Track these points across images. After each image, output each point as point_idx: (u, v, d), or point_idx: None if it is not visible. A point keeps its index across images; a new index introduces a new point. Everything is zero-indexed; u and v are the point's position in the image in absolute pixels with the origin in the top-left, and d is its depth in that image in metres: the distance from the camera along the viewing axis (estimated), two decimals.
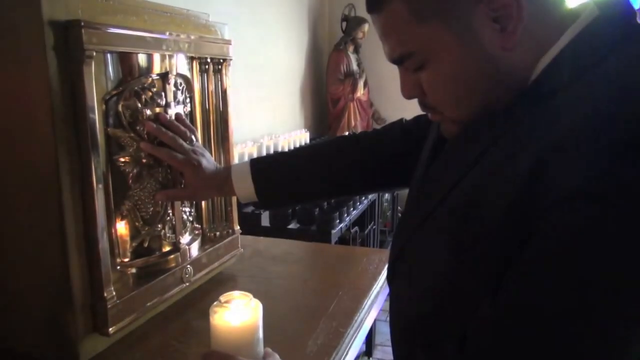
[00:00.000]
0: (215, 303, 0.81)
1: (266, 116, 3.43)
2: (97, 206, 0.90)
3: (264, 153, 2.95)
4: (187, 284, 1.16)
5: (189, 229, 1.19)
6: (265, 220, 2.43)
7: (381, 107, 4.61)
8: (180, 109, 1.11)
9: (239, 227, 1.36)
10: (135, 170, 1.01)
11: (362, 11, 4.09)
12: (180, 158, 1.03)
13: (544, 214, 0.53)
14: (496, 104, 0.65)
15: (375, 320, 2.17)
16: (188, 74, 1.15)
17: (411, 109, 0.85)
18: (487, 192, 0.60)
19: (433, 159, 0.78)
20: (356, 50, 4.31)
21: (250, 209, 2.33)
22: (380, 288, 1.29)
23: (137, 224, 1.03)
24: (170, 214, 1.11)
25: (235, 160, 1.35)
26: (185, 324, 1.10)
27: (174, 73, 1.07)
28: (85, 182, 0.89)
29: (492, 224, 0.58)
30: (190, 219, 1.20)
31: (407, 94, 0.71)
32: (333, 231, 2.36)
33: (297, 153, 1.15)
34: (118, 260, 1.01)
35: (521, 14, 0.59)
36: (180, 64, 1.10)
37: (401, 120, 1.08)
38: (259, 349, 0.82)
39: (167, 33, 1.04)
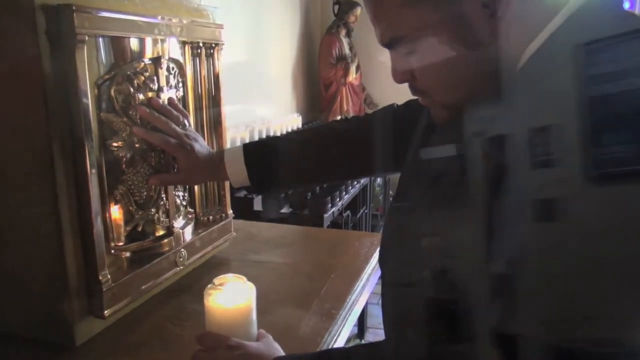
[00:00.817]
0: (209, 286, 0.82)
1: (259, 100, 3.41)
2: (91, 191, 0.90)
3: (257, 137, 2.95)
4: (181, 267, 1.17)
5: (182, 213, 1.19)
6: (257, 204, 2.43)
7: (373, 92, 4.60)
8: (172, 94, 1.11)
9: (231, 211, 1.37)
10: (128, 155, 1.01)
11: None
12: (173, 142, 1.03)
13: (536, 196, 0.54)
14: (486, 89, 0.66)
15: (367, 303, 2.19)
16: (180, 59, 1.14)
17: (403, 94, 0.85)
18: (477, 174, 0.61)
19: (423, 144, 0.79)
20: (348, 34, 4.28)
21: (242, 193, 2.33)
22: (372, 271, 1.30)
23: (131, 208, 1.04)
24: (164, 198, 1.11)
25: (228, 144, 1.35)
26: (179, 306, 1.11)
27: (166, 57, 1.07)
28: (79, 167, 0.90)
29: (484, 203, 0.59)
30: (184, 203, 1.21)
31: (398, 78, 0.72)
32: (325, 215, 2.38)
33: (290, 138, 1.16)
34: (112, 244, 1.02)
35: None
36: (172, 48, 1.10)
37: (392, 105, 1.09)
38: (252, 331, 0.83)
39: (159, 17, 1.03)
